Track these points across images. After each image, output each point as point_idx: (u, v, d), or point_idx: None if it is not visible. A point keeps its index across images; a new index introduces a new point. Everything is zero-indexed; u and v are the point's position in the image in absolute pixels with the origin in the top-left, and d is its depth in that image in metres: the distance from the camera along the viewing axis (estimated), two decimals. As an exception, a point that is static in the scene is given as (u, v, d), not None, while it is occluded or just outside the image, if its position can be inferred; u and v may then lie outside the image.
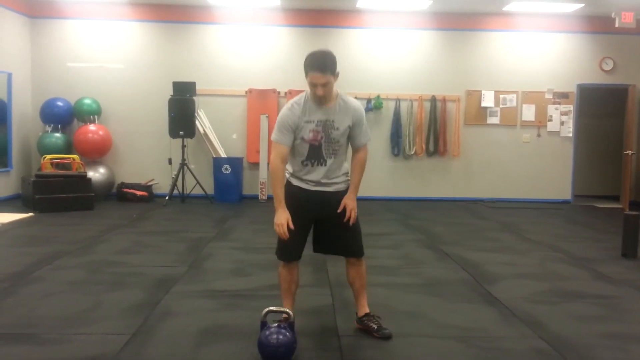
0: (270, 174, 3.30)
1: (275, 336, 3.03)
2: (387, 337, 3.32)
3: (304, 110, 3.23)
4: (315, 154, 3.25)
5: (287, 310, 3.21)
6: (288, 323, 3.12)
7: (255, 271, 4.91)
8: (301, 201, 3.28)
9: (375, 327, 3.36)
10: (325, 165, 3.26)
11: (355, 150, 3.39)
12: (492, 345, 3.36)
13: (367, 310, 3.44)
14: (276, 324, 3.11)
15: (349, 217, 3.28)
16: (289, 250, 3.38)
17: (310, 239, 3.48)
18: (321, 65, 3.12)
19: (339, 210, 3.27)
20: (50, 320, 3.64)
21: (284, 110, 3.28)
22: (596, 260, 5.63)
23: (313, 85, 3.15)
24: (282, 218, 3.21)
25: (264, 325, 3.11)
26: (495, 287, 4.60)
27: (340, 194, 3.33)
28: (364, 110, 3.40)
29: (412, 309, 4.02)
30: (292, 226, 3.20)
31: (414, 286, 4.60)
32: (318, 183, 3.30)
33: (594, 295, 4.45)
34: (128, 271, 4.87)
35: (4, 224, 6.96)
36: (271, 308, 3.17)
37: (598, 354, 3.26)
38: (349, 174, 3.41)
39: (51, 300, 4.07)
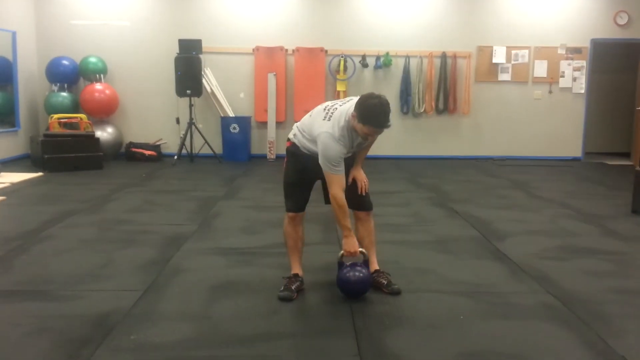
0: (336, 207, 3.18)
1: (354, 273, 3.27)
2: (397, 293, 3.34)
3: (350, 139, 3.18)
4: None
5: (362, 250, 3.33)
6: (363, 261, 3.33)
7: (265, 229, 4.93)
8: (308, 162, 3.28)
9: (385, 283, 3.38)
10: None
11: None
12: (501, 301, 3.38)
13: (377, 267, 3.46)
14: (351, 263, 3.32)
15: (362, 189, 3.38)
16: (293, 201, 3.43)
17: (320, 194, 3.48)
18: (383, 123, 3.06)
19: (349, 183, 3.29)
20: (63, 277, 3.68)
21: (334, 145, 3.11)
22: (606, 217, 5.61)
23: (365, 135, 3.12)
24: (353, 246, 3.24)
25: (341, 265, 3.31)
26: (505, 243, 4.59)
27: (348, 158, 3.32)
28: None
29: (421, 265, 4.04)
30: (357, 253, 3.30)
31: (423, 243, 4.61)
32: None
33: (603, 252, 4.45)
34: (139, 229, 4.90)
35: (14, 184, 7.00)
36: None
37: (607, 309, 3.27)
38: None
39: (63, 258, 4.11)
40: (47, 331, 2.86)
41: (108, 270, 3.82)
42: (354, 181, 3.39)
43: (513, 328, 3.01)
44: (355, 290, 3.31)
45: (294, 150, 3.36)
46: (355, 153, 3.38)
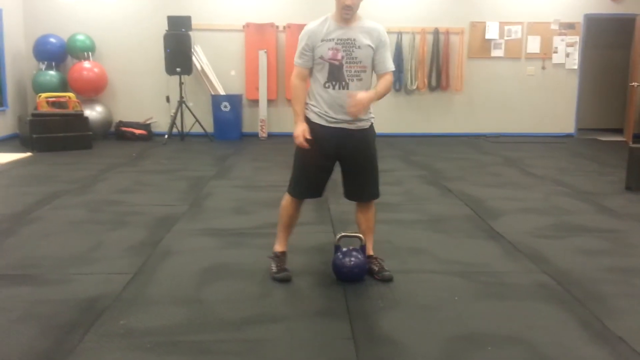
0: (292, 91, 3.21)
1: (350, 258, 3.24)
2: (387, 280, 3.27)
3: (322, 29, 3.10)
4: (336, 75, 3.09)
5: (359, 235, 3.31)
6: (360, 247, 3.29)
7: (257, 209, 4.87)
8: (318, 137, 3.15)
9: (376, 269, 3.32)
10: (348, 88, 3.10)
11: (380, 77, 3.20)
12: (495, 280, 3.35)
13: (371, 253, 3.39)
14: (348, 248, 3.28)
15: (350, 105, 3.05)
16: (301, 188, 3.30)
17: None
18: None
19: (347, 102, 3.06)
20: (52, 260, 3.62)
21: (302, 32, 3.16)
22: (600, 194, 5.59)
23: (343, 3, 3.02)
24: (299, 129, 3.15)
25: (337, 248, 3.27)
26: (499, 222, 4.56)
27: (362, 132, 3.20)
28: (387, 36, 3.23)
29: (414, 245, 4.00)
30: (307, 136, 3.12)
31: (416, 222, 4.57)
32: (339, 120, 3.14)
33: (598, 229, 4.43)
34: (128, 210, 4.83)
35: (2, 164, 6.90)
36: (344, 234, 3.35)
37: (602, 288, 3.25)
38: (372, 113, 3.29)
39: (52, 240, 4.04)
40: (35, 316, 2.81)
41: (97, 253, 3.76)
42: (358, 170, 3.28)
43: (508, 308, 2.98)
44: (350, 275, 3.26)
45: (306, 120, 3.20)
46: (364, 81, 3.13)
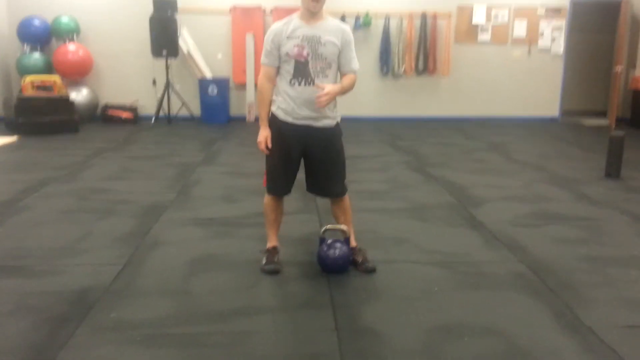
0: (257, 94, 3.31)
1: (334, 250, 3.34)
2: (370, 271, 3.37)
3: (287, 28, 3.17)
4: (301, 72, 3.17)
5: (342, 227, 3.41)
6: (345, 239, 3.38)
7: (244, 197, 4.95)
8: (286, 136, 3.25)
9: (360, 261, 3.42)
10: (313, 84, 3.17)
11: (345, 76, 3.29)
12: (474, 271, 3.46)
13: (354, 244, 3.49)
14: (332, 240, 3.37)
15: (318, 97, 3.09)
16: (276, 185, 3.40)
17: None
18: None
19: (316, 89, 3.13)
20: (41, 251, 3.68)
21: (267, 32, 3.25)
22: (580, 181, 5.72)
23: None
24: (262, 136, 3.29)
25: (322, 241, 3.38)
26: (480, 210, 4.68)
27: (328, 131, 3.29)
28: (352, 36, 3.30)
29: (398, 234, 4.10)
30: (269, 144, 3.26)
31: (400, 211, 4.67)
32: (305, 117, 3.22)
33: (576, 217, 4.55)
34: (117, 198, 4.89)
35: (-12, 150, 6.91)
36: (329, 226, 3.44)
37: (576, 278, 3.37)
38: (338, 112, 3.36)
39: (41, 230, 4.10)
40: (26, 309, 2.88)
41: (86, 243, 3.83)
42: (324, 167, 3.35)
43: (485, 299, 3.10)
44: (334, 267, 3.36)
45: (272, 120, 3.30)
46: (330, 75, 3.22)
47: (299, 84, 3.18)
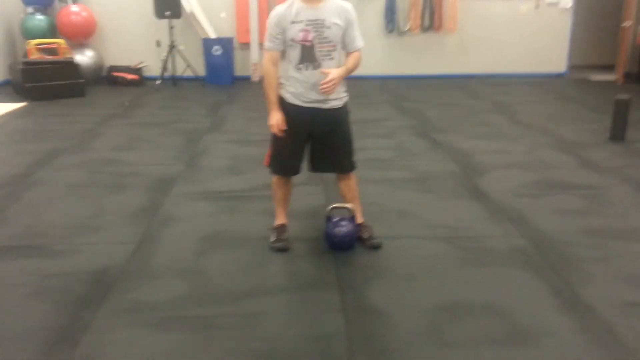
0: (264, 79, 3.32)
1: (340, 228, 3.45)
2: (376, 247, 3.48)
3: (290, 11, 3.18)
4: (308, 56, 3.21)
5: (348, 205, 3.52)
6: (350, 217, 3.49)
7: (251, 167, 5.03)
8: (293, 118, 3.31)
9: (366, 237, 3.52)
10: (320, 67, 3.22)
11: (350, 54, 3.33)
12: (476, 246, 3.55)
13: (360, 221, 3.58)
14: (338, 218, 3.48)
15: (323, 82, 3.14)
16: (284, 165, 3.47)
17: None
18: None
19: (322, 75, 3.17)
20: (57, 228, 3.80)
21: (270, 16, 3.25)
22: (585, 145, 5.75)
23: None
24: (274, 119, 3.30)
25: (329, 219, 3.49)
26: (484, 179, 4.75)
27: (334, 112, 3.33)
28: (355, 13, 3.32)
29: (402, 207, 4.18)
30: (283, 126, 3.29)
31: (405, 182, 4.74)
32: (313, 100, 3.27)
33: (579, 186, 4.61)
34: (126, 170, 4.98)
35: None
36: (335, 205, 3.54)
37: (576, 252, 3.46)
38: (346, 90, 3.40)
39: (55, 206, 4.21)
40: (47, 291, 3.01)
41: (100, 220, 3.94)
42: (332, 145, 3.42)
43: (486, 276, 3.20)
44: (341, 245, 3.46)
45: (281, 103, 3.33)
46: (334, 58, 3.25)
47: (306, 69, 3.21)
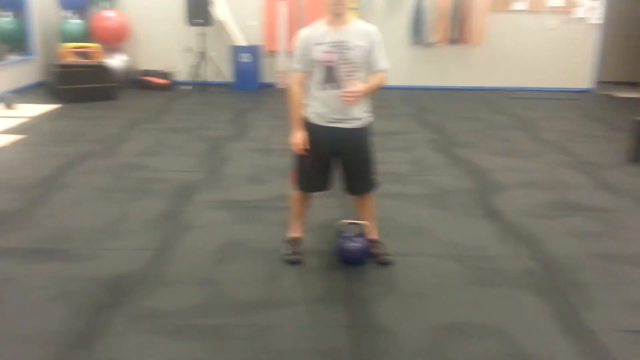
0: (289, 98, 3.45)
1: (354, 244, 3.56)
2: (386, 264, 3.57)
3: (315, 34, 3.31)
4: (331, 76, 3.32)
5: (360, 222, 3.63)
6: (361, 233, 3.60)
7: (272, 177, 5.15)
8: (316, 137, 3.42)
9: (377, 254, 3.61)
10: (343, 89, 3.32)
11: (374, 75, 3.41)
12: (486, 266, 3.61)
13: (374, 237, 3.67)
14: (353, 234, 3.58)
15: (344, 94, 3.23)
16: (309, 183, 3.57)
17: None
18: None
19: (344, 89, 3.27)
20: (80, 232, 3.96)
21: (297, 38, 3.39)
22: (603, 166, 5.74)
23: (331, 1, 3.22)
24: (297, 138, 3.43)
25: (339, 234, 3.61)
26: (500, 197, 4.79)
27: (354, 132, 3.42)
28: (380, 35, 3.41)
29: (416, 223, 4.26)
30: (306, 145, 3.41)
31: (421, 197, 4.81)
32: (337, 120, 3.37)
33: (594, 208, 4.63)
34: (151, 176, 5.15)
35: (33, 118, 7.22)
36: (346, 221, 3.67)
37: (585, 276, 3.49)
38: (369, 113, 3.49)
39: (80, 210, 4.38)
40: (67, 295, 3.15)
41: (122, 226, 4.10)
42: (349, 165, 3.51)
43: (493, 297, 3.26)
44: (353, 260, 3.55)
45: (305, 123, 3.44)
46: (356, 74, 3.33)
47: (329, 89, 3.33)
